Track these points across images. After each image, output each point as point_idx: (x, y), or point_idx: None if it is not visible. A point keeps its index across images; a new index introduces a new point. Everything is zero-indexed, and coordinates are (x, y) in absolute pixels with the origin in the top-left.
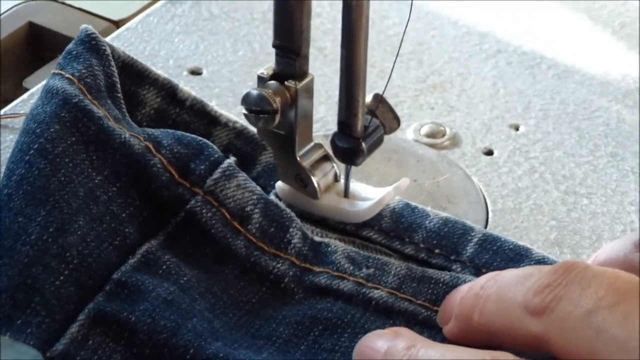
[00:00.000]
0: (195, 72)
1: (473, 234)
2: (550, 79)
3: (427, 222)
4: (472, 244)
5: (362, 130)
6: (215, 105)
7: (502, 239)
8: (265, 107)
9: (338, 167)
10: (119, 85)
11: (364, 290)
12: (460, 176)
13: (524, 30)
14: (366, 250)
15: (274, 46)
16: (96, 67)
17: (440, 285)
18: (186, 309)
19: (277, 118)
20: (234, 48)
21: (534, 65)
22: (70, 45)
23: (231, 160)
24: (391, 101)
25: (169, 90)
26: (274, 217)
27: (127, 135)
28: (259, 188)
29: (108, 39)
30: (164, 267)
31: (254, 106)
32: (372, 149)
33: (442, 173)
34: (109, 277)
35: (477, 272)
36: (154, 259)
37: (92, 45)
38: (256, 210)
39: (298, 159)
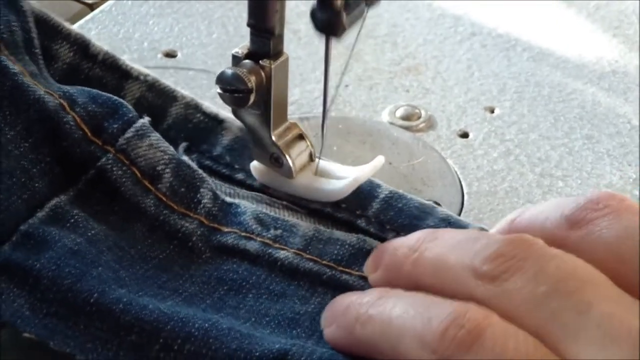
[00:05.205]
0: (170, 55)
1: (380, 190)
2: (525, 61)
3: None
4: (378, 199)
5: (343, 0)
6: (190, 88)
7: (409, 197)
8: (239, 87)
9: (313, 146)
10: (37, 41)
11: (270, 250)
12: (436, 159)
13: (499, 12)
14: (274, 207)
15: (248, 25)
16: (14, 23)
17: (347, 246)
18: (92, 259)
19: (252, 97)
20: (208, 30)
21: (508, 47)
22: None
23: (145, 120)
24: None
25: (81, 45)
26: (185, 177)
27: (41, 92)
28: (171, 148)
29: (82, 22)
30: (72, 220)
31: (229, 85)
32: (352, 20)
33: (417, 156)
34: (16, 229)
35: (382, 228)
36: (62, 213)
37: (9, 1)
38: (167, 170)
39: (273, 138)
